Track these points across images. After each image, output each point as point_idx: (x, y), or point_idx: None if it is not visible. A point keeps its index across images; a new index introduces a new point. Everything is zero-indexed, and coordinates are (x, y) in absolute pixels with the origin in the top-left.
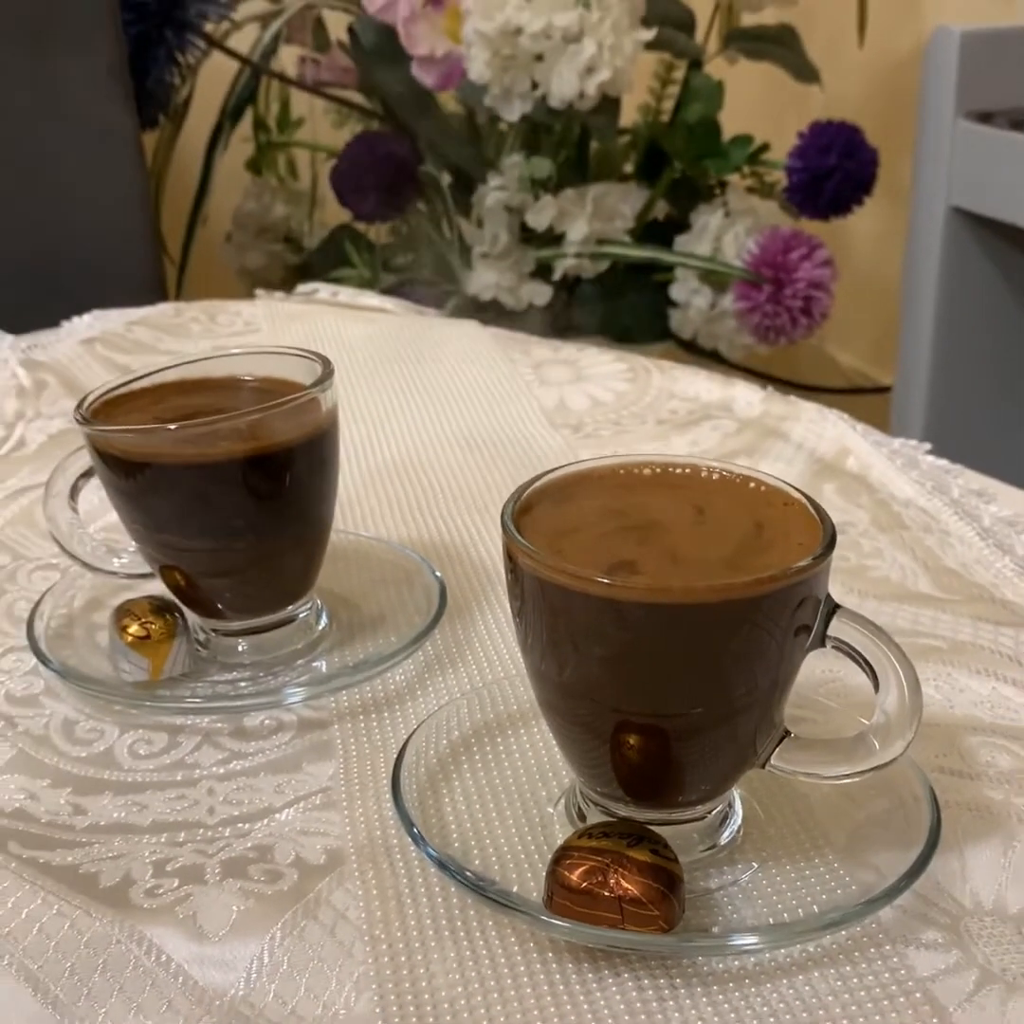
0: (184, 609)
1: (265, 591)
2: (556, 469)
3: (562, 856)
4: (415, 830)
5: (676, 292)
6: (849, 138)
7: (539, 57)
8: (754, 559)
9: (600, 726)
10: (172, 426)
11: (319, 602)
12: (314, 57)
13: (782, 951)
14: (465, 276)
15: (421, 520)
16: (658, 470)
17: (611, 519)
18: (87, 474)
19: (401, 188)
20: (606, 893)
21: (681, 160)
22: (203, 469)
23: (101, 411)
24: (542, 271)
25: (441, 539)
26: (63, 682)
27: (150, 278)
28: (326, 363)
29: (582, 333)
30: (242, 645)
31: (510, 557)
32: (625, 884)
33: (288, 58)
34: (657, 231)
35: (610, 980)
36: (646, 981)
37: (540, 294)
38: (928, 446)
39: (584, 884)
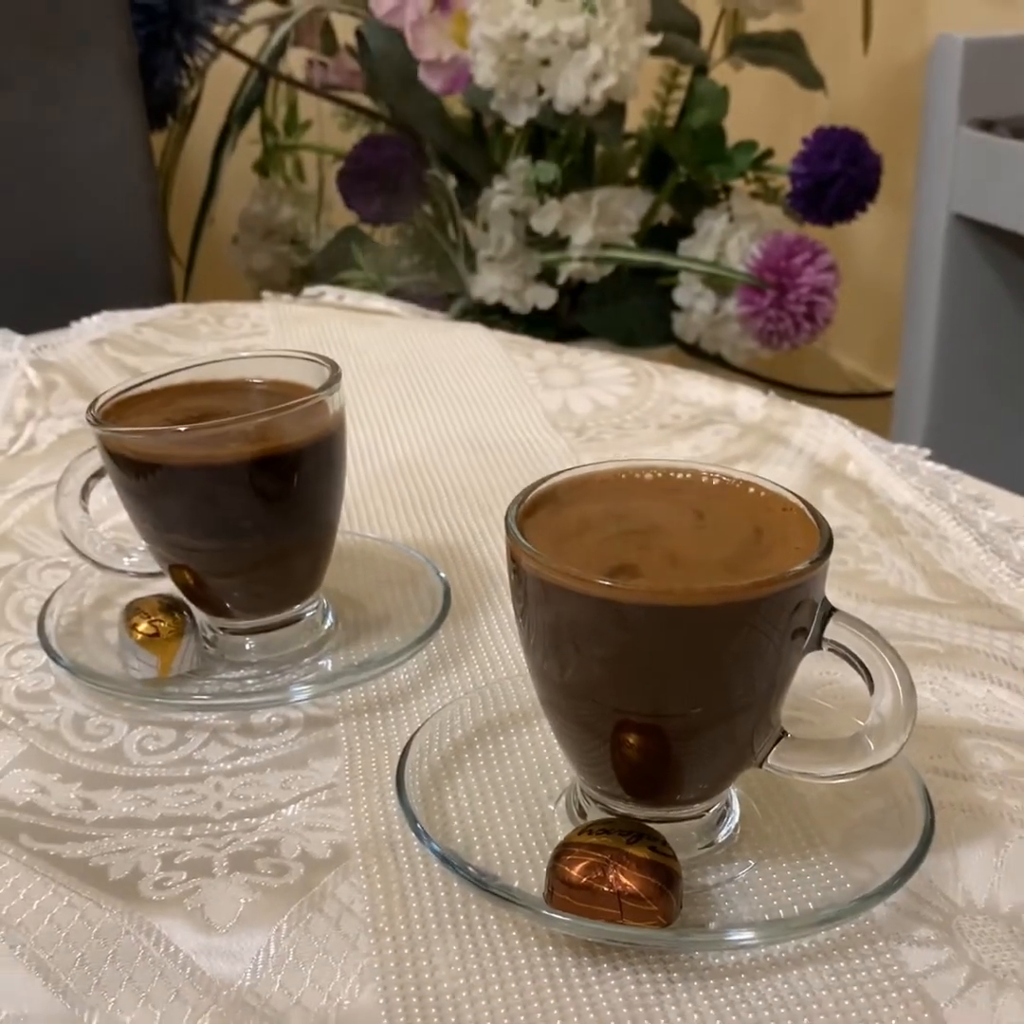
0: (192, 608)
1: (272, 590)
2: (559, 473)
3: (562, 852)
4: (419, 826)
5: (680, 296)
6: (853, 144)
7: (545, 62)
8: (753, 563)
9: (600, 725)
10: (182, 428)
11: (325, 602)
12: (322, 60)
13: (777, 946)
14: (470, 279)
15: (426, 521)
16: (659, 475)
17: (613, 523)
18: (98, 474)
19: (407, 191)
20: (605, 888)
21: (686, 165)
22: (212, 470)
23: (112, 412)
24: (547, 275)
25: (445, 540)
26: (73, 679)
27: (158, 279)
28: (334, 367)
29: (586, 337)
30: (249, 643)
31: (514, 559)
32: (624, 880)
33: (296, 61)
34: (661, 236)
35: (609, 974)
36: (644, 975)
37: (545, 297)
38: (927, 452)
39: (584, 879)
